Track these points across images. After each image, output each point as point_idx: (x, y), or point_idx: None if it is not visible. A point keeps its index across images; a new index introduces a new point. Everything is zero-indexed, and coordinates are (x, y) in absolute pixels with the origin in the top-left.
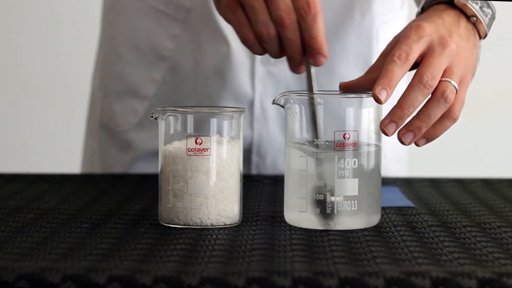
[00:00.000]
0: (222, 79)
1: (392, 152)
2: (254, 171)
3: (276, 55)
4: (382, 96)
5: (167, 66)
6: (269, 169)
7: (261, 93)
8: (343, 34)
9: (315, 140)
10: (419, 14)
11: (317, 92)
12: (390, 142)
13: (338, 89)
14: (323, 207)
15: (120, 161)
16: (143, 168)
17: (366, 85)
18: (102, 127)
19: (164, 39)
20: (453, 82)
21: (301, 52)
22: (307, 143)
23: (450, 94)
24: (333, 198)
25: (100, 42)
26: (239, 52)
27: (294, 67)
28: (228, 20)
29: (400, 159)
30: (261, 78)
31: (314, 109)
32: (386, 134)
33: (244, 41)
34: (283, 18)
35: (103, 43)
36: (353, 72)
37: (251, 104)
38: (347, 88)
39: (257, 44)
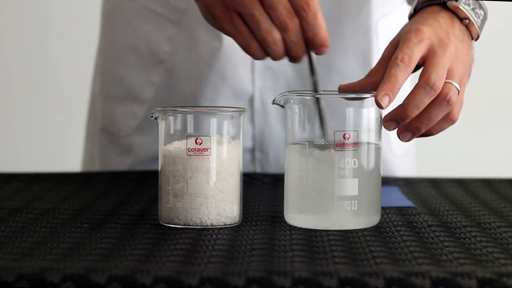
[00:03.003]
0: (221, 77)
1: (401, 148)
2: (258, 168)
3: (280, 58)
4: (384, 102)
5: (164, 68)
6: (272, 166)
7: (261, 87)
8: (339, 27)
9: (315, 140)
10: (412, 15)
11: (320, 92)
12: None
13: (337, 88)
14: (323, 207)
15: (120, 166)
16: None
17: (367, 88)
18: (103, 131)
19: (161, 41)
20: (455, 84)
21: (305, 49)
22: (307, 143)
23: (453, 96)
24: (333, 198)
25: (100, 46)
26: (237, 48)
27: (295, 60)
28: (227, 32)
29: (408, 155)
30: (260, 73)
31: (319, 106)
32: (386, 129)
33: (247, 49)
34: (287, 24)
35: (103, 46)
36: (352, 66)
37: (251, 99)
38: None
39: (260, 50)
